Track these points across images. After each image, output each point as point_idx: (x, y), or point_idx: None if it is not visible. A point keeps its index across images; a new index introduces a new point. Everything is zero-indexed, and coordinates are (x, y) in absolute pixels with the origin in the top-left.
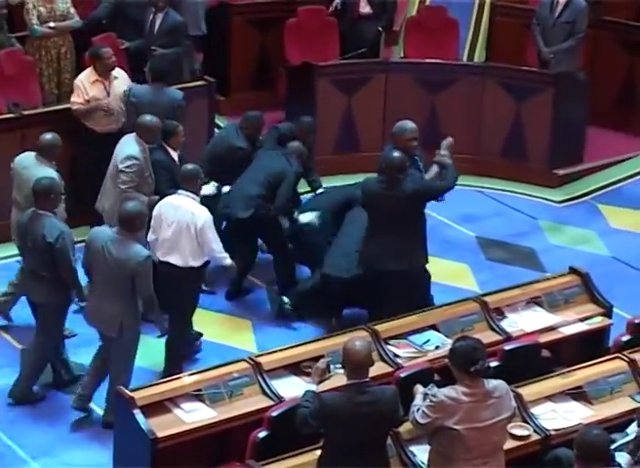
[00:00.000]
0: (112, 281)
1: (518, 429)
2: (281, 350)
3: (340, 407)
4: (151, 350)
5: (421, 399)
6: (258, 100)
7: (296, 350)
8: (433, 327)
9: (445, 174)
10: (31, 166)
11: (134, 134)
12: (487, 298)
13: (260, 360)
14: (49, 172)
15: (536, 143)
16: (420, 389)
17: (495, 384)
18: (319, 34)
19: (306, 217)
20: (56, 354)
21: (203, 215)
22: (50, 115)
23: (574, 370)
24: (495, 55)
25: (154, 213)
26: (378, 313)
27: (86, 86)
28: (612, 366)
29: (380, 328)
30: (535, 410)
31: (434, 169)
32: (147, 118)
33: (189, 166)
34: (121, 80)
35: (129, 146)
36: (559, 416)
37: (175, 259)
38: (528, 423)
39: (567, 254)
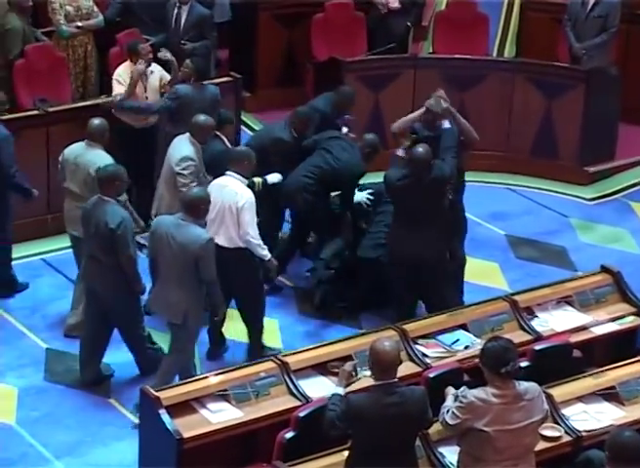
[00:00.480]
0: (176, 267)
1: (549, 430)
2: (308, 350)
3: (367, 408)
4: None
5: (452, 400)
6: (284, 97)
7: (323, 350)
8: (463, 326)
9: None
10: (84, 153)
11: (187, 134)
12: (517, 297)
13: (287, 359)
14: (103, 155)
15: (566, 140)
16: (451, 391)
17: (526, 386)
18: (346, 30)
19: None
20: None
21: (245, 196)
22: (76, 112)
23: (605, 370)
24: (525, 50)
25: None
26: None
27: (126, 79)
28: None
29: (408, 327)
30: (566, 411)
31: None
32: (202, 118)
33: (238, 148)
34: (157, 74)
35: (183, 147)
36: (590, 417)
37: (222, 240)
38: (559, 424)
39: (598, 253)
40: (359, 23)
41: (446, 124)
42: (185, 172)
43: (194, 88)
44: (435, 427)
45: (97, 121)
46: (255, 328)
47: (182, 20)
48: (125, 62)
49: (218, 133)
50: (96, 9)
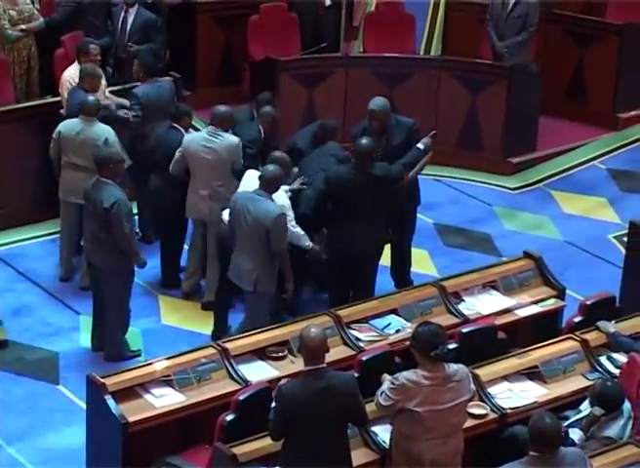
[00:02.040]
0: (250, 238)
1: (476, 408)
2: (247, 336)
3: (299, 392)
4: None
5: (387, 385)
6: (223, 95)
7: (261, 335)
8: (394, 311)
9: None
10: (85, 127)
11: (213, 128)
12: (445, 283)
13: (227, 345)
14: (104, 127)
15: (490, 133)
16: (387, 377)
17: (455, 368)
18: (281, 31)
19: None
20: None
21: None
22: (22, 111)
23: (528, 350)
24: (450, 48)
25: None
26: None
27: (75, 80)
28: (565, 346)
29: (342, 312)
30: (491, 390)
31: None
32: (222, 108)
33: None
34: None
35: (228, 138)
36: (515, 395)
37: None
38: (485, 402)
39: (521, 239)
40: (293, 24)
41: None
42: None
43: (148, 84)
44: (369, 408)
45: (91, 98)
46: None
47: (129, 24)
48: (73, 64)
49: (175, 124)
50: (36, 12)
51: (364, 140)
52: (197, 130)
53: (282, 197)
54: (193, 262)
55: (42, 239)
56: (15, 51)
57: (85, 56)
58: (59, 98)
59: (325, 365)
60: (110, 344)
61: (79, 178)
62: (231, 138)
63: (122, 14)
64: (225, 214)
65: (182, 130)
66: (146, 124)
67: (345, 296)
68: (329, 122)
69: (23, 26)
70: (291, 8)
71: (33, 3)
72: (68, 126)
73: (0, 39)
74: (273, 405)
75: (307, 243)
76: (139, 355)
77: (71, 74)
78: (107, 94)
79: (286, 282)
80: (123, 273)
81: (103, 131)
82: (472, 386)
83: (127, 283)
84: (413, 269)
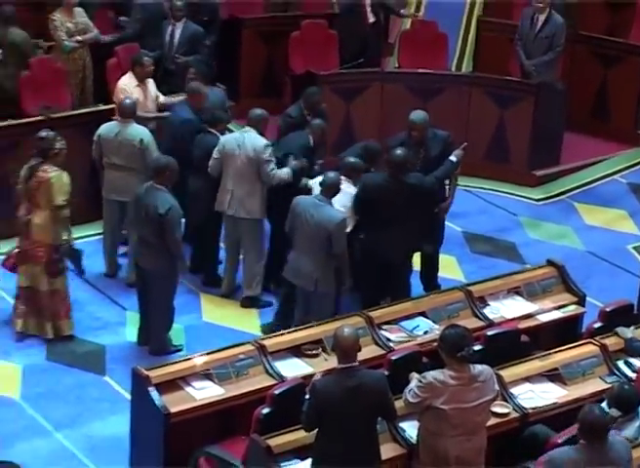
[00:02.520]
0: (311, 241)
1: (499, 407)
2: (283, 334)
3: (332, 388)
4: None
5: (415, 383)
6: (264, 107)
7: (297, 334)
8: (423, 313)
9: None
10: (122, 129)
11: (249, 129)
12: (471, 288)
13: (265, 343)
14: (139, 128)
15: (517, 147)
16: (415, 375)
17: (480, 369)
18: (321, 46)
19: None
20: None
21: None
22: (77, 117)
23: (550, 353)
24: (481, 66)
25: None
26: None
27: (130, 89)
28: (584, 350)
29: (374, 314)
30: (514, 390)
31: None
32: (257, 111)
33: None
34: (152, 84)
35: (259, 139)
36: (536, 396)
37: None
38: (508, 402)
39: (545, 248)
40: (332, 40)
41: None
42: (272, 158)
43: (210, 91)
44: (398, 404)
45: (127, 100)
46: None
47: (177, 37)
48: (127, 73)
49: (211, 129)
50: (91, 24)
51: (398, 151)
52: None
53: (338, 200)
54: (230, 262)
55: (93, 238)
56: (71, 61)
57: (140, 67)
58: (112, 106)
59: (357, 363)
60: (155, 340)
61: (119, 177)
62: (259, 141)
63: (170, 27)
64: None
65: (218, 134)
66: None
67: (377, 298)
68: (373, 144)
69: (79, 38)
70: (333, 24)
71: (89, 17)
72: (107, 128)
73: (58, 50)
74: (307, 397)
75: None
76: (180, 350)
77: (125, 83)
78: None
79: (343, 277)
80: (170, 275)
81: (139, 132)
82: (496, 386)
83: (173, 284)
84: (441, 274)
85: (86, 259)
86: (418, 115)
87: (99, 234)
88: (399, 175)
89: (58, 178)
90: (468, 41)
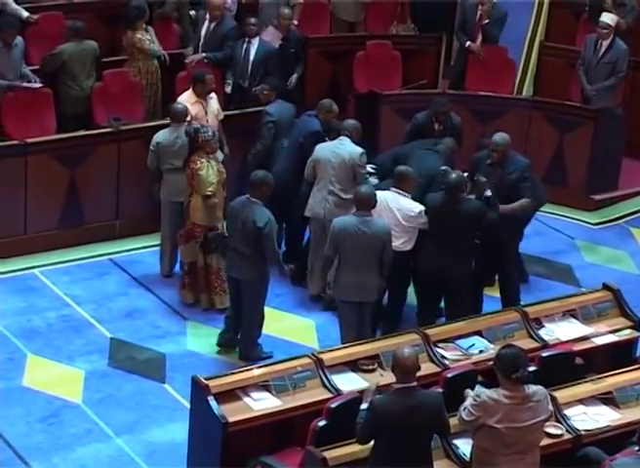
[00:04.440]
0: (368, 255)
1: (552, 428)
2: (340, 348)
3: (391, 407)
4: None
5: (470, 401)
6: None
7: (354, 348)
8: (478, 333)
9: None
10: (179, 134)
11: (344, 138)
12: (527, 309)
13: (322, 356)
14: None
15: (575, 170)
16: (470, 393)
17: (534, 389)
18: (384, 66)
19: None
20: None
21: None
22: (146, 130)
23: (604, 377)
24: (541, 90)
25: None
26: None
27: (188, 106)
28: (639, 374)
29: (430, 331)
30: (568, 412)
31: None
32: (352, 121)
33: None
34: (214, 100)
35: (353, 146)
36: (589, 418)
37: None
38: (561, 423)
39: (601, 272)
40: (395, 61)
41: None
42: (366, 165)
43: (279, 105)
44: (452, 421)
45: (179, 105)
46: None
47: (251, 55)
48: (188, 90)
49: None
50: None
51: (453, 175)
52: None
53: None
54: (316, 263)
55: (155, 248)
56: (148, 74)
57: (201, 84)
58: None
59: (415, 383)
60: (247, 346)
61: (181, 179)
62: (355, 148)
63: (245, 45)
64: None
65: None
66: (276, 140)
67: (433, 316)
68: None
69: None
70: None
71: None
72: (165, 136)
73: (131, 63)
74: (364, 407)
75: None
76: (271, 356)
77: (184, 100)
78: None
79: (383, 282)
80: (263, 283)
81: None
82: (550, 407)
83: (265, 292)
84: (497, 295)
85: (149, 268)
86: (501, 136)
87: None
88: (453, 197)
89: (203, 170)
90: (530, 65)
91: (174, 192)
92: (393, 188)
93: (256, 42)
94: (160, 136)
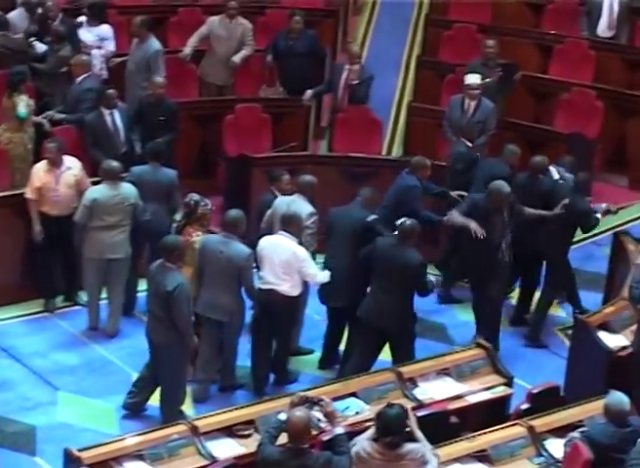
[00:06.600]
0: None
1: None
2: (216, 414)
3: (275, 461)
4: None
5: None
6: (199, 187)
7: (229, 414)
8: (353, 394)
9: None
10: (117, 192)
11: (298, 195)
12: (402, 369)
13: (197, 423)
14: (129, 188)
15: None
16: (355, 441)
17: (410, 448)
18: (254, 129)
19: None
20: None
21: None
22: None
23: (478, 434)
24: (411, 150)
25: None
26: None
27: (40, 175)
28: (512, 431)
29: (306, 395)
30: None
31: None
32: (308, 178)
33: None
34: (76, 169)
35: (304, 206)
36: None
37: None
38: None
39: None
40: (265, 124)
41: None
42: (313, 225)
43: (150, 168)
44: None
45: (114, 163)
46: None
47: (119, 124)
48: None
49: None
50: None
51: (408, 222)
52: None
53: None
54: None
55: (25, 318)
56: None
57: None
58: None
59: (306, 446)
60: (167, 411)
61: (112, 236)
62: (306, 207)
63: (108, 117)
64: None
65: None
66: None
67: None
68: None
69: None
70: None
71: None
72: (102, 192)
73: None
74: (282, 417)
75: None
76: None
77: (36, 166)
78: None
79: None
80: (179, 348)
81: (132, 191)
82: (430, 465)
83: (183, 356)
84: (381, 358)
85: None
86: (497, 185)
87: (33, 314)
88: (402, 242)
89: (197, 243)
90: (399, 125)
91: (101, 249)
92: (281, 231)
93: (117, 112)
94: (96, 193)
